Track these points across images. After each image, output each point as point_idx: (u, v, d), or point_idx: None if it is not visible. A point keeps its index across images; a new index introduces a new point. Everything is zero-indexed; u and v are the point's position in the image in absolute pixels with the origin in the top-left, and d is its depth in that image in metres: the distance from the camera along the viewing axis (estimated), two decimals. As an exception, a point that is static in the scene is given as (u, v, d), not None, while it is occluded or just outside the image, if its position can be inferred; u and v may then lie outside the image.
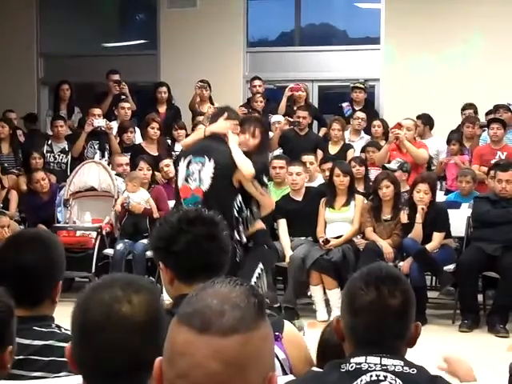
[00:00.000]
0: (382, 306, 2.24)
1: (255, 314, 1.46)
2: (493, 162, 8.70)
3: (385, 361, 2.17)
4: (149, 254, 8.51)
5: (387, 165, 8.77)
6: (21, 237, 2.94)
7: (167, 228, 2.76)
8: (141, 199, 8.69)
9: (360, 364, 2.18)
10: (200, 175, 5.76)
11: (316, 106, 11.52)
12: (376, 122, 10.03)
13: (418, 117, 10.05)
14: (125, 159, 9.49)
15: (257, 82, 11.12)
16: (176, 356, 1.44)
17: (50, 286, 2.68)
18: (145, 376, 1.74)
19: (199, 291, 1.49)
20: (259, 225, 5.71)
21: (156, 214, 8.54)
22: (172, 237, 2.72)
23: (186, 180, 5.83)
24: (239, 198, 5.75)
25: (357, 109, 10.63)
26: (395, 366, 2.17)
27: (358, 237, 8.23)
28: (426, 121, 10.15)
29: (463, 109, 10.10)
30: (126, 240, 8.61)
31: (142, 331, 1.73)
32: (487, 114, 9.76)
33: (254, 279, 5.60)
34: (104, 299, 1.75)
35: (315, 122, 10.97)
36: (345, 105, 10.92)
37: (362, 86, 10.92)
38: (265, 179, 5.83)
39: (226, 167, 5.73)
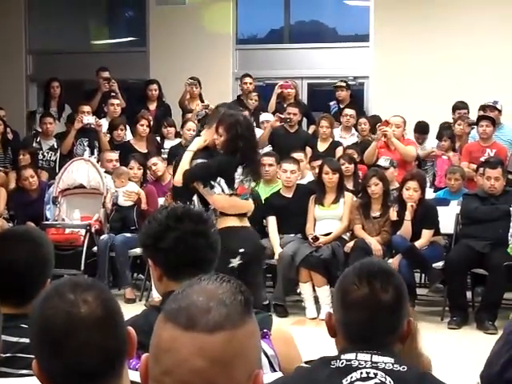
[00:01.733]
0: (374, 301, 2.23)
1: (241, 311, 1.45)
2: (482, 159, 8.71)
3: (375, 358, 2.17)
4: (137, 250, 8.55)
5: (378, 163, 8.77)
6: (9, 234, 2.93)
7: (155, 225, 2.76)
8: (130, 192, 8.74)
9: (350, 361, 2.17)
10: None
11: (305, 103, 11.52)
12: (362, 120, 10.05)
13: (415, 130, 10.06)
14: (114, 155, 9.49)
15: (247, 80, 11.12)
16: (161, 352, 1.44)
17: (38, 284, 2.67)
18: (118, 369, 1.74)
19: (186, 288, 1.49)
20: (222, 223, 5.64)
21: (144, 205, 8.61)
22: (159, 234, 2.72)
23: None
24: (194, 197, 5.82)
25: (342, 106, 10.65)
26: (386, 363, 2.16)
27: (347, 237, 8.22)
28: (423, 130, 10.12)
29: (455, 107, 10.07)
30: (112, 234, 8.66)
31: (103, 327, 1.71)
32: (482, 107, 9.69)
33: None
34: (60, 307, 1.71)
35: (304, 120, 10.97)
36: (332, 103, 10.96)
37: (342, 84, 10.91)
38: (212, 182, 5.81)
39: None
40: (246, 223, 5.90)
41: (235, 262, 5.65)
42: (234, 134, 5.67)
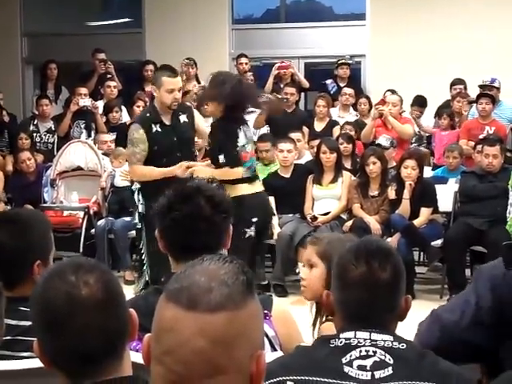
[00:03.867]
0: (372, 279, 2.23)
1: (243, 292, 1.45)
2: (481, 136, 8.70)
3: (374, 336, 2.17)
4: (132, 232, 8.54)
5: (378, 141, 8.75)
6: (3, 216, 2.94)
7: (163, 201, 2.70)
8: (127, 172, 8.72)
9: (349, 339, 2.17)
10: None
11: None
12: (362, 100, 10.03)
13: (413, 104, 10.06)
14: (109, 137, 9.49)
15: (243, 60, 11.09)
16: (163, 332, 1.44)
17: (24, 266, 2.67)
18: (119, 352, 1.74)
19: (188, 268, 1.49)
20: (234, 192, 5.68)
21: None
22: (162, 211, 2.68)
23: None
24: None
25: (342, 85, 10.62)
26: (384, 341, 2.16)
27: (345, 217, 8.21)
28: (421, 103, 10.13)
29: (453, 84, 10.07)
30: (110, 218, 8.63)
31: (105, 308, 1.71)
32: (480, 87, 9.68)
33: None
34: (60, 289, 1.72)
35: (302, 100, 10.94)
36: (329, 82, 10.91)
37: (349, 61, 10.90)
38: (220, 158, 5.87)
39: None
40: (258, 188, 6.02)
41: (250, 231, 5.75)
42: (231, 107, 5.71)
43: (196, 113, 6.37)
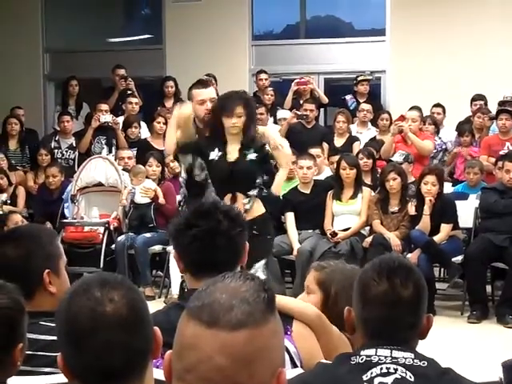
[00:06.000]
0: (394, 297, 2.23)
1: (264, 309, 1.45)
2: (501, 152, 8.67)
3: (395, 353, 2.17)
4: (156, 247, 8.58)
5: (392, 158, 8.76)
6: (3, 235, 2.99)
7: (182, 219, 2.72)
8: (147, 188, 8.75)
9: (370, 356, 2.17)
10: None
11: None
12: (384, 116, 10.01)
13: (437, 105, 10.07)
14: (127, 153, 9.51)
15: (263, 76, 11.11)
16: (184, 349, 1.44)
17: (33, 276, 2.68)
18: (141, 369, 1.74)
19: (209, 285, 1.49)
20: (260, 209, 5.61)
21: (162, 200, 8.60)
22: (180, 228, 2.69)
23: None
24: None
25: (361, 101, 10.62)
26: (406, 358, 2.16)
27: (365, 232, 8.20)
28: (443, 109, 10.17)
29: (473, 99, 10.06)
30: (131, 233, 8.65)
31: (129, 326, 1.72)
32: (501, 103, 9.67)
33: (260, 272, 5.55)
34: (85, 304, 1.72)
35: (321, 115, 10.95)
36: (348, 97, 10.90)
37: (369, 77, 10.91)
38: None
39: None
40: None
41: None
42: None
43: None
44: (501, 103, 9.48)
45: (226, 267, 2.55)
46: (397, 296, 2.23)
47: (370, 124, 10.23)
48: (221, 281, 1.50)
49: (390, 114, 10.08)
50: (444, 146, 9.91)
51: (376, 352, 2.17)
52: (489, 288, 7.89)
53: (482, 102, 9.97)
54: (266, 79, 11.06)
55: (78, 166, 9.59)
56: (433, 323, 2.33)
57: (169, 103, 10.96)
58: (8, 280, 2.59)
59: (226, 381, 1.41)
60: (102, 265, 8.44)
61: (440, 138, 9.87)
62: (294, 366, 2.58)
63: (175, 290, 7.82)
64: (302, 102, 10.36)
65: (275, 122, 10.31)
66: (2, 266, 2.69)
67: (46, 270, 2.69)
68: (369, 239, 7.96)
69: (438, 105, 10.20)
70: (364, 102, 10.49)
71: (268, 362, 1.44)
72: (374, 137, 9.88)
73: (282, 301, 2.65)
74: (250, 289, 1.47)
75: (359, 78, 10.87)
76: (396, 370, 2.13)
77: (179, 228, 2.70)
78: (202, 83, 5.94)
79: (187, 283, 2.73)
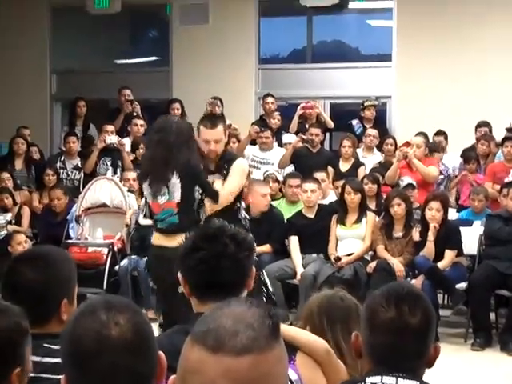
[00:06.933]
0: (401, 324, 2.22)
1: (269, 335, 1.45)
2: (506, 180, 8.67)
3: (401, 381, 2.16)
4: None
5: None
6: (26, 254, 2.97)
7: (188, 241, 2.75)
8: None
9: (375, 384, 2.16)
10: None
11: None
12: (389, 141, 10.03)
13: (438, 133, 10.08)
14: (132, 175, 9.51)
15: (270, 99, 11.13)
16: (188, 374, 1.44)
17: (53, 303, 2.67)
18: None
19: (214, 310, 1.49)
20: None
21: None
22: (187, 252, 2.70)
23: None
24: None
25: (367, 126, 10.64)
26: (411, 387, 2.15)
27: (369, 258, 8.19)
28: (440, 134, 10.18)
29: (478, 126, 10.07)
30: (133, 256, 8.65)
31: (134, 350, 1.71)
32: (508, 130, 9.68)
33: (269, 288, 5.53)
34: (90, 327, 1.72)
35: (327, 139, 10.97)
36: (354, 122, 10.91)
37: (375, 103, 10.93)
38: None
39: None
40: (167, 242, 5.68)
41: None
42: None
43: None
44: (509, 130, 9.49)
45: (232, 290, 2.60)
46: (404, 324, 2.22)
47: (375, 149, 10.24)
48: (226, 306, 1.50)
49: (394, 139, 10.09)
50: (448, 173, 9.91)
51: (381, 379, 2.16)
52: (493, 315, 7.87)
53: (487, 129, 9.98)
54: (272, 103, 11.09)
55: (83, 187, 9.60)
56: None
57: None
58: (24, 302, 2.60)
59: None
60: (105, 286, 8.43)
61: (443, 164, 9.88)
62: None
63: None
64: (307, 126, 10.38)
65: (280, 145, 10.34)
66: (20, 288, 2.68)
67: (64, 301, 2.69)
68: (372, 264, 7.95)
69: (439, 133, 10.20)
70: (370, 127, 10.51)
71: None
72: (380, 161, 9.89)
73: (292, 332, 2.65)
74: (255, 314, 1.47)
75: (366, 104, 10.89)
76: (401, 398, 2.12)
77: (186, 251, 2.71)
78: (210, 121, 5.81)
79: (193, 307, 2.73)
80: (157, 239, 5.68)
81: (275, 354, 1.45)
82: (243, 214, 5.81)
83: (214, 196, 5.60)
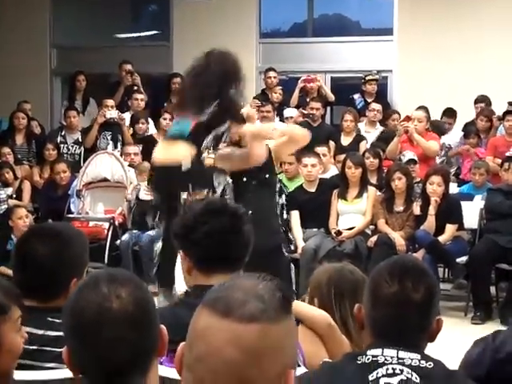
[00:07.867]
0: (403, 299, 2.23)
1: (278, 308, 1.46)
2: (507, 154, 8.66)
3: (401, 354, 2.17)
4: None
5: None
6: (39, 230, 2.95)
7: (190, 216, 2.76)
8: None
9: (376, 356, 2.17)
10: None
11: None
12: (395, 116, 9.99)
13: (449, 114, 10.03)
14: (133, 149, 9.51)
15: (271, 74, 11.08)
16: (196, 339, 1.46)
17: (61, 282, 2.67)
18: (146, 367, 1.75)
19: (227, 282, 1.51)
20: None
21: None
22: (193, 225, 2.72)
23: None
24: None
25: (369, 100, 10.60)
26: (412, 359, 2.16)
27: (370, 232, 8.19)
28: (451, 115, 10.10)
29: (476, 101, 10.04)
30: (134, 231, 8.65)
31: (135, 323, 1.72)
32: (510, 104, 9.65)
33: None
34: (92, 299, 1.73)
35: (328, 114, 10.94)
36: (356, 96, 10.87)
37: (376, 77, 10.89)
38: None
39: None
40: None
41: None
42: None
43: None
44: (510, 104, 9.46)
45: (237, 262, 2.68)
46: (406, 298, 2.23)
47: (378, 124, 10.21)
48: (239, 279, 1.53)
49: (399, 115, 10.04)
50: (448, 146, 9.88)
51: (382, 352, 2.17)
52: (493, 289, 7.88)
53: (484, 104, 9.93)
54: (274, 77, 11.04)
55: (84, 162, 9.61)
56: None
57: (175, 100, 10.95)
58: (35, 277, 2.60)
59: (234, 374, 1.41)
60: (106, 260, 8.44)
61: (444, 144, 9.85)
62: (297, 365, 2.58)
63: (179, 287, 7.81)
64: (308, 100, 10.35)
65: (281, 120, 10.32)
66: (31, 263, 2.68)
67: (74, 280, 2.69)
68: (373, 239, 7.95)
69: (450, 114, 10.08)
70: (373, 101, 10.47)
71: (278, 361, 1.44)
72: (382, 132, 9.85)
73: (294, 305, 2.67)
74: (267, 287, 1.49)
75: (367, 78, 10.84)
76: (402, 371, 2.13)
77: (191, 224, 2.72)
78: None
79: (193, 281, 2.74)
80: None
81: (284, 327, 1.46)
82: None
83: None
